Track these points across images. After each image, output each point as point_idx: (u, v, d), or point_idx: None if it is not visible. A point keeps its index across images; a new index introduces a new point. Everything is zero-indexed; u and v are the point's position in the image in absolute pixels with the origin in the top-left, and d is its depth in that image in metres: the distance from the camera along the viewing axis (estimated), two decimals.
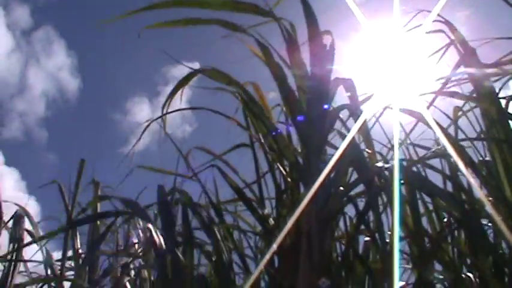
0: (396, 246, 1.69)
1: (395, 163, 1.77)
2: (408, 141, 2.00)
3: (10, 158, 2.22)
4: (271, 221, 1.53)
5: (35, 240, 1.97)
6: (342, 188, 1.51)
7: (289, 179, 1.48)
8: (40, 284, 2.07)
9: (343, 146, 1.44)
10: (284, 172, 1.48)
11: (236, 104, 1.80)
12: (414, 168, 1.82)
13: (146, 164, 1.94)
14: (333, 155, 1.48)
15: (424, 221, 1.85)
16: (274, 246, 1.43)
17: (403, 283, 1.93)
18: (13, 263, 1.87)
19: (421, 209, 1.80)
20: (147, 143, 3.05)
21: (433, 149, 1.99)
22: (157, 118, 1.63)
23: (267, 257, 1.39)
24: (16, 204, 2.14)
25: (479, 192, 1.79)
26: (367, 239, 1.80)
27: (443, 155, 1.92)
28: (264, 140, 1.55)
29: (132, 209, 1.62)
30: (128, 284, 1.77)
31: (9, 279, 1.82)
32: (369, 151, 1.60)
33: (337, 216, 1.53)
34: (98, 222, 2.07)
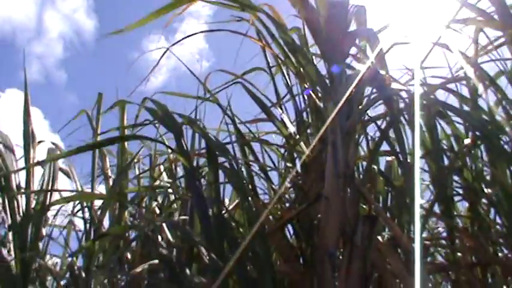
0: (417, 163, 1.73)
1: (416, 81, 1.80)
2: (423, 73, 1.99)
3: (32, 98, 2.27)
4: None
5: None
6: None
7: (313, 94, 1.51)
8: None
9: (365, 65, 1.47)
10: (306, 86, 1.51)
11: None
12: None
13: (165, 101, 1.97)
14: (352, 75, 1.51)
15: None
16: (300, 159, 1.48)
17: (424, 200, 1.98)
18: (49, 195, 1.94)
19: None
20: (166, 80, 3.07)
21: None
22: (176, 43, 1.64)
23: (295, 169, 1.44)
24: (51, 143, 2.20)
25: (498, 112, 1.81)
26: (389, 159, 1.84)
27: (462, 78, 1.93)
28: (285, 60, 1.57)
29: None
30: (156, 209, 1.84)
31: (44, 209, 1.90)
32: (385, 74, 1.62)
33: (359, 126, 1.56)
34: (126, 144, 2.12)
